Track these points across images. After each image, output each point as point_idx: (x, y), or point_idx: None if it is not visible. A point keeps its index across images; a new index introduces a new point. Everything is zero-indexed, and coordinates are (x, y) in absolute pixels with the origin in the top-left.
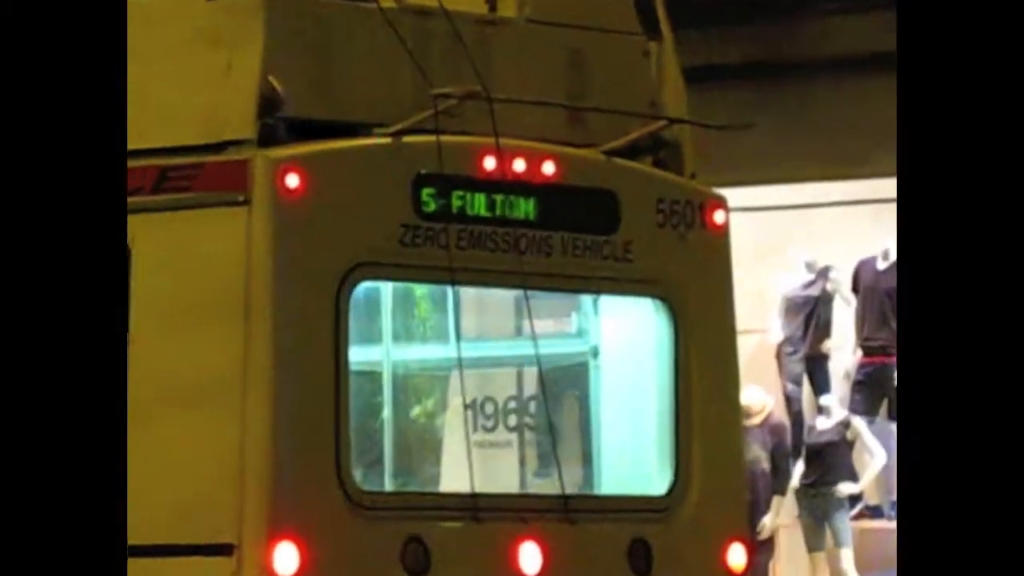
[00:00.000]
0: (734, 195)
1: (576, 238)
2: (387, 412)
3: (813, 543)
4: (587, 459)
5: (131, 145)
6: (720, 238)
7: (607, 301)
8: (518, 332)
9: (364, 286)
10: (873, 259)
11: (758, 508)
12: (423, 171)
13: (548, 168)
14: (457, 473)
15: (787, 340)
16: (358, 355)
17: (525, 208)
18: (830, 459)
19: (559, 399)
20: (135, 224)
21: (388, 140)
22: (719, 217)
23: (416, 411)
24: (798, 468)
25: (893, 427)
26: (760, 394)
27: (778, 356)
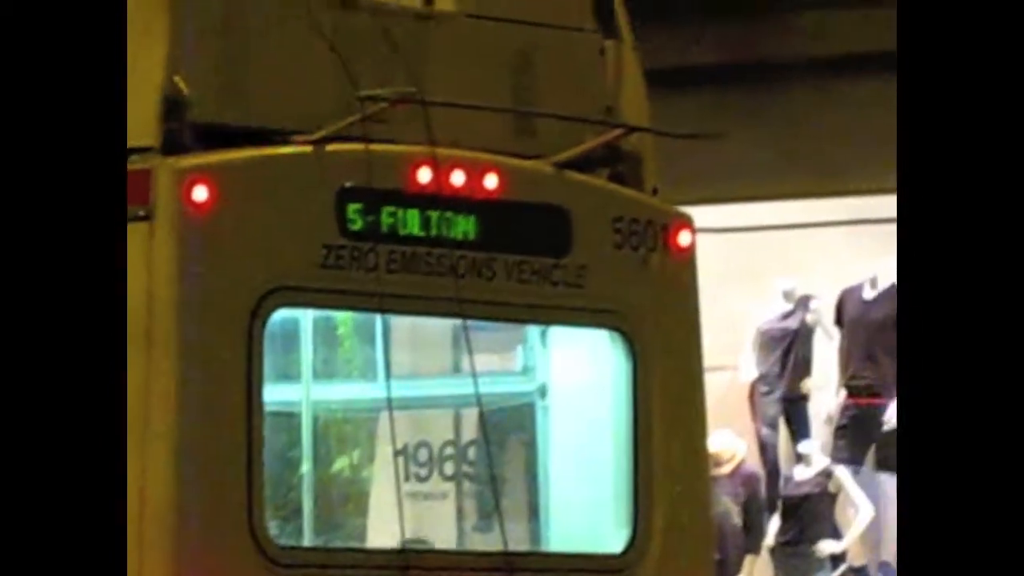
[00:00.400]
0: (702, 214)
1: (522, 261)
2: (307, 458)
3: None
4: (534, 512)
5: None
6: (685, 262)
7: (557, 333)
8: (456, 368)
9: (281, 314)
10: (859, 287)
11: (727, 569)
12: (348, 184)
13: (490, 181)
14: (386, 527)
15: (761, 378)
16: (273, 394)
17: (464, 227)
18: (810, 514)
19: (502, 444)
20: None
21: (309, 148)
22: (684, 239)
23: (340, 457)
24: (773, 524)
25: (881, 477)
26: (731, 439)
27: (751, 397)
